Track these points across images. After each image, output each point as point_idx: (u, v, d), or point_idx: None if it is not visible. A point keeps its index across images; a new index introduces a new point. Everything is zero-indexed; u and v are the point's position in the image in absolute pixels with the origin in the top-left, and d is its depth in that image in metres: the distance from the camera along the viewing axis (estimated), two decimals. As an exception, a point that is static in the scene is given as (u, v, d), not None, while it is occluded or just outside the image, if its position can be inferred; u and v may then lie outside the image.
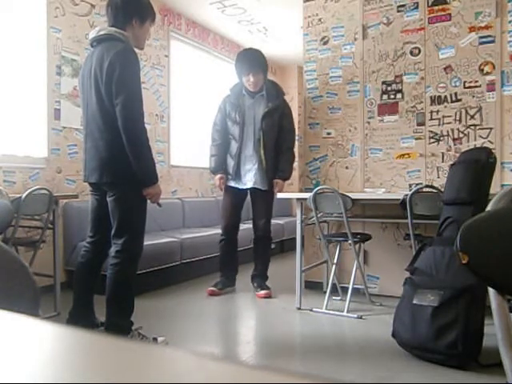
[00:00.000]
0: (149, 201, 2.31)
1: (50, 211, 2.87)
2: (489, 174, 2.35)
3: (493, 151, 2.47)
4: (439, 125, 3.28)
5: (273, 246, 5.29)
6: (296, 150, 3.51)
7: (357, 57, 3.57)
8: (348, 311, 2.88)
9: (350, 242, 2.94)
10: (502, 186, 3.01)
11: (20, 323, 0.40)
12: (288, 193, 3.49)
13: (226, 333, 2.71)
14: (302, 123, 3.93)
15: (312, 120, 3.78)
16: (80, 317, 2.38)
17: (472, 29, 3.16)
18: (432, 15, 3.29)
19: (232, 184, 3.48)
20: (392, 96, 3.44)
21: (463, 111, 3.20)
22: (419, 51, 3.34)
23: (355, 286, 3.04)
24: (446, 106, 3.25)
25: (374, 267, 3.45)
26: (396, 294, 2.78)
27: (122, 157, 2.17)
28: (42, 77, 3.57)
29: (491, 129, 3.11)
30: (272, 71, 7.08)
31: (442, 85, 3.27)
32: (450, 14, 3.23)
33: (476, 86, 3.15)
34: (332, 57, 3.68)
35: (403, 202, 2.72)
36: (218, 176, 3.48)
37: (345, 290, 3.09)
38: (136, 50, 2.28)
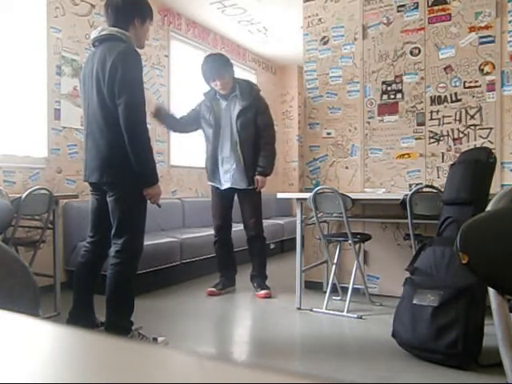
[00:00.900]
0: (149, 201, 2.31)
1: (50, 211, 2.87)
2: (489, 174, 2.35)
3: (493, 151, 2.47)
4: (439, 125, 3.28)
5: (272, 246, 5.31)
6: (296, 149, 3.52)
7: (357, 57, 3.57)
8: (348, 311, 2.88)
9: (350, 241, 2.94)
10: (502, 185, 3.01)
11: (20, 323, 0.40)
12: (288, 193, 3.49)
13: (225, 333, 2.71)
14: (302, 123, 3.93)
15: (312, 120, 3.78)
16: (80, 317, 2.38)
17: (472, 29, 3.16)
18: (432, 15, 3.29)
19: (213, 184, 3.53)
20: (392, 96, 3.44)
21: (463, 111, 3.20)
22: (419, 51, 3.34)
23: (355, 286, 3.04)
24: (446, 106, 3.26)
25: (374, 267, 3.45)
26: (396, 294, 2.77)
27: (123, 157, 2.17)
28: (42, 77, 3.57)
29: (491, 129, 3.11)
30: (272, 71, 7.08)
31: (442, 85, 3.27)
32: (449, 14, 3.23)
33: (476, 86, 3.15)
34: (332, 57, 3.68)
35: (403, 202, 2.72)
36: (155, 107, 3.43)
37: (345, 290, 3.09)
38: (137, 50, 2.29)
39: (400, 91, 3.41)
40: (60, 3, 3.69)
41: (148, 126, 2.25)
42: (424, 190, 2.73)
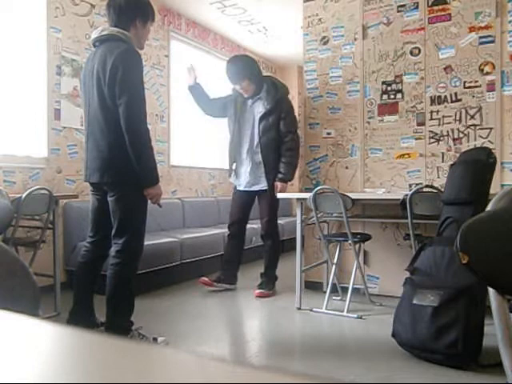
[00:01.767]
0: (149, 201, 2.31)
1: (50, 211, 2.87)
2: (489, 174, 2.35)
3: (493, 151, 2.48)
4: (439, 125, 3.28)
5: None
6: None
7: (357, 57, 3.57)
8: (348, 311, 2.88)
9: (350, 242, 2.94)
10: (502, 185, 3.01)
11: (20, 323, 0.40)
12: (288, 193, 3.49)
13: (225, 333, 2.71)
14: (302, 123, 3.93)
15: (312, 120, 3.78)
16: (80, 317, 2.38)
17: (472, 29, 3.16)
18: (432, 15, 3.29)
19: (233, 181, 3.63)
20: (392, 96, 3.44)
21: (463, 111, 3.20)
22: (419, 51, 3.34)
23: (355, 286, 3.04)
24: (446, 106, 3.25)
25: (374, 267, 3.45)
26: (396, 293, 2.77)
27: (124, 157, 2.17)
28: (42, 77, 3.57)
29: (491, 129, 3.11)
30: (272, 71, 7.08)
31: (442, 85, 3.27)
32: (449, 14, 3.23)
33: (476, 86, 3.15)
34: (332, 57, 3.68)
35: (403, 202, 2.72)
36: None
37: (345, 290, 3.09)
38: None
39: (400, 91, 3.41)
40: (60, 3, 3.69)
41: (148, 126, 2.25)
42: (424, 190, 2.73)
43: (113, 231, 2.28)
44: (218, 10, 4.97)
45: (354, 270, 2.99)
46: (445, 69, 3.25)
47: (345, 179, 3.62)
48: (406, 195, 2.71)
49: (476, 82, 3.15)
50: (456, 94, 3.22)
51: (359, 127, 3.56)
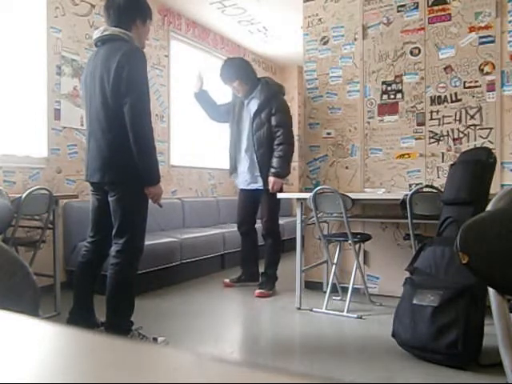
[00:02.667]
0: (150, 201, 2.32)
1: (50, 211, 2.87)
2: (489, 174, 2.35)
3: (493, 151, 2.47)
4: (439, 125, 3.28)
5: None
6: (296, 149, 3.51)
7: (357, 57, 3.57)
8: (348, 311, 2.88)
9: (350, 242, 2.94)
10: (502, 185, 3.01)
11: (20, 323, 0.40)
12: (288, 193, 3.50)
13: (225, 333, 2.71)
14: (302, 123, 3.93)
15: (312, 120, 3.78)
16: (80, 317, 2.38)
17: (472, 29, 3.16)
18: (432, 15, 3.29)
19: (235, 181, 3.73)
20: (392, 96, 3.44)
21: (463, 111, 3.20)
22: (419, 51, 3.34)
23: (355, 286, 3.04)
24: (445, 106, 3.25)
25: (374, 267, 3.45)
26: (396, 293, 2.77)
27: (125, 157, 2.18)
28: (42, 77, 3.57)
29: (491, 129, 3.11)
30: (272, 71, 7.08)
31: (441, 85, 3.27)
32: (449, 14, 3.23)
33: (476, 86, 3.15)
34: (332, 57, 3.68)
35: (403, 202, 2.72)
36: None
37: (345, 290, 3.09)
38: None
39: (400, 91, 3.41)
40: (60, 3, 3.69)
41: (152, 125, 2.25)
42: (424, 190, 2.73)
43: (113, 231, 2.28)
44: (218, 10, 4.97)
45: (354, 270, 2.99)
46: (445, 69, 3.25)
47: (345, 179, 3.62)
48: (406, 195, 2.71)
49: (476, 82, 3.15)
50: (456, 94, 3.22)
51: (359, 127, 3.56)
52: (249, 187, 3.53)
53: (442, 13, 3.26)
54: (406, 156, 3.38)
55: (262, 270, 3.61)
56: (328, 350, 2.33)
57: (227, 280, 3.74)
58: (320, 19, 3.73)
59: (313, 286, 3.63)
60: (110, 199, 2.28)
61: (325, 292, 3.19)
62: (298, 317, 2.96)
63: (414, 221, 2.75)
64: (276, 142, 3.38)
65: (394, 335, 2.28)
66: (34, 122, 3.53)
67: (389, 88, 3.45)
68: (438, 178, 3.24)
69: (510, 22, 3.06)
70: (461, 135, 3.21)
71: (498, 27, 3.08)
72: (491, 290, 0.84)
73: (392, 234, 3.38)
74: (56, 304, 2.88)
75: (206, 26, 5.46)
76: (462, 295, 2.06)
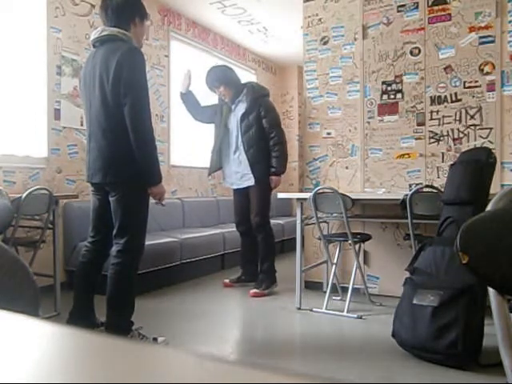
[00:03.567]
0: (152, 200, 2.32)
1: (50, 211, 2.87)
2: (489, 174, 2.35)
3: (493, 151, 2.48)
4: (439, 125, 3.28)
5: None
6: (296, 149, 3.55)
7: (357, 57, 3.57)
8: (348, 311, 2.88)
9: (350, 241, 2.94)
10: (502, 185, 3.01)
11: (20, 323, 0.40)
12: (288, 193, 3.50)
13: (225, 333, 2.71)
14: (302, 123, 3.93)
15: (312, 120, 3.78)
16: (80, 317, 2.38)
17: (472, 29, 3.16)
18: (432, 15, 3.29)
19: (225, 183, 3.79)
20: (392, 96, 3.44)
21: (463, 111, 3.20)
22: (419, 51, 3.34)
23: (355, 286, 3.04)
24: (446, 106, 3.25)
25: (374, 267, 3.45)
26: (396, 293, 2.77)
27: (125, 157, 2.18)
28: (42, 77, 3.57)
29: (491, 129, 3.11)
30: (272, 71, 7.08)
31: (442, 85, 3.27)
32: (449, 14, 3.23)
33: (476, 86, 3.15)
34: (332, 57, 3.68)
35: (403, 202, 2.72)
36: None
37: (345, 290, 3.09)
38: None
39: (400, 91, 3.41)
40: (60, 3, 3.69)
41: (152, 125, 2.25)
42: (424, 190, 2.73)
43: (114, 231, 2.28)
44: (218, 10, 4.97)
45: (354, 270, 2.99)
46: (445, 69, 3.25)
47: (345, 179, 3.62)
48: (406, 195, 2.71)
49: (476, 82, 3.15)
50: (456, 93, 3.22)
51: (359, 127, 3.56)
52: (242, 186, 3.58)
53: (442, 13, 3.26)
54: (406, 156, 3.38)
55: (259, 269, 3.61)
56: (328, 350, 2.33)
57: (227, 280, 3.75)
58: (320, 19, 3.73)
59: (313, 286, 3.63)
60: (110, 199, 2.28)
61: (325, 292, 3.19)
62: (298, 317, 2.96)
63: (414, 221, 2.75)
64: (272, 143, 3.49)
65: (393, 335, 2.28)
66: (34, 122, 3.53)
67: (389, 88, 3.45)
68: (438, 177, 3.24)
69: (510, 22, 3.06)
70: (461, 135, 3.21)
71: (498, 27, 3.08)
72: (491, 290, 0.84)
73: (392, 234, 3.38)
74: (56, 304, 2.88)
75: (206, 26, 5.46)
76: (461, 295, 2.06)
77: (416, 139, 3.35)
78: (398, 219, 3.01)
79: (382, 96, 3.48)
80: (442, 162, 3.26)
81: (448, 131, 3.24)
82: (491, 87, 3.10)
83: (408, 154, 3.38)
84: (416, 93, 3.35)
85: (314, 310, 3.02)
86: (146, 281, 3.37)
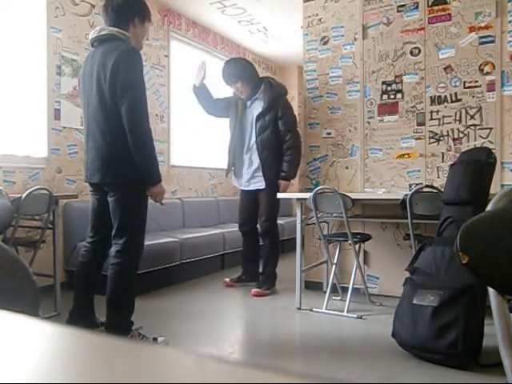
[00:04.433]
0: (152, 200, 2.32)
1: (50, 211, 2.87)
2: (489, 174, 2.35)
3: (493, 151, 2.48)
4: (439, 125, 3.28)
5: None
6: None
7: (357, 57, 3.57)
8: (348, 311, 2.88)
9: (350, 242, 2.94)
10: (502, 186, 3.01)
11: (20, 323, 0.40)
12: (288, 193, 3.50)
13: (225, 333, 2.71)
14: (302, 123, 3.93)
15: (312, 120, 3.78)
16: (80, 317, 2.38)
17: (472, 29, 3.16)
18: (432, 15, 3.29)
19: (233, 182, 3.75)
20: (392, 96, 3.44)
21: (463, 111, 3.20)
22: (419, 51, 3.34)
23: (355, 286, 3.04)
24: (446, 106, 3.25)
25: (374, 267, 3.45)
26: (396, 293, 2.77)
27: (124, 157, 2.18)
28: (42, 77, 3.57)
29: (491, 129, 3.11)
30: (272, 71, 7.08)
31: (442, 85, 3.27)
32: (450, 14, 3.23)
33: (476, 86, 3.15)
34: (332, 57, 3.68)
35: (403, 202, 2.72)
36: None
37: (345, 290, 3.09)
38: None
39: (400, 91, 3.41)
40: (60, 3, 3.69)
41: (150, 125, 2.25)
42: (424, 190, 2.73)
43: (113, 231, 2.28)
44: (218, 10, 4.97)
45: (354, 270, 2.99)
46: (445, 69, 3.25)
47: (345, 179, 3.62)
48: (406, 195, 2.71)
49: (476, 81, 3.15)
50: (456, 93, 3.22)
51: (359, 127, 3.56)
52: (249, 188, 3.54)
53: (442, 13, 3.26)
54: (406, 156, 3.38)
55: (260, 269, 3.61)
56: (328, 350, 2.33)
57: (227, 279, 3.74)
58: (320, 19, 3.73)
59: (313, 286, 3.63)
60: (109, 199, 2.28)
61: (325, 292, 3.19)
62: (298, 317, 2.96)
63: (414, 221, 2.75)
64: (285, 146, 3.41)
65: (393, 335, 2.28)
66: (34, 122, 3.53)
67: (389, 88, 3.45)
68: (438, 177, 3.24)
69: (510, 22, 3.06)
70: (461, 135, 3.21)
71: (498, 27, 3.08)
72: (491, 290, 0.84)
73: (392, 234, 3.38)
74: (56, 304, 2.88)
75: (206, 26, 5.46)
76: (461, 295, 2.06)
77: (416, 139, 3.35)
78: (398, 219, 3.01)
79: (382, 96, 3.48)
80: (442, 162, 3.26)
81: (448, 131, 3.24)
82: (491, 87, 3.10)
83: (408, 153, 3.38)
84: (416, 93, 3.35)
85: (313, 310, 3.02)
86: (145, 281, 3.37)
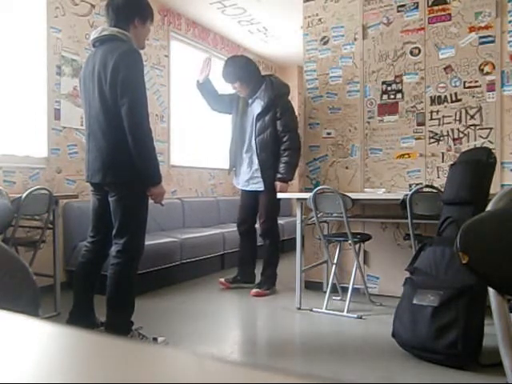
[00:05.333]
0: (152, 200, 2.32)
1: (50, 211, 2.87)
2: (489, 174, 2.35)
3: (493, 151, 2.48)
4: (439, 125, 3.28)
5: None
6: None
7: (357, 57, 3.57)
8: (348, 311, 2.88)
9: (350, 242, 2.94)
10: (502, 185, 3.01)
11: (20, 323, 0.40)
12: (288, 193, 3.49)
13: (225, 333, 2.71)
14: (302, 123, 3.92)
15: (312, 120, 3.78)
16: (80, 317, 2.38)
17: (472, 29, 3.16)
18: (432, 15, 3.29)
19: (233, 181, 3.74)
20: (392, 96, 3.44)
21: (463, 111, 3.20)
22: (419, 51, 3.34)
23: (355, 286, 3.04)
24: (446, 106, 3.25)
25: (374, 267, 3.45)
26: (396, 294, 2.77)
27: (125, 157, 2.18)
28: (42, 77, 3.57)
29: (491, 129, 3.11)
30: (272, 71, 7.08)
31: (441, 85, 3.27)
32: (450, 14, 3.23)
33: (476, 86, 3.15)
34: (332, 57, 3.68)
35: (403, 202, 2.72)
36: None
37: (345, 290, 3.09)
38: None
39: (400, 91, 3.41)
40: (60, 3, 3.69)
41: (150, 125, 2.25)
42: (424, 190, 2.73)
43: (113, 231, 2.28)
44: (218, 10, 4.97)
45: (354, 270, 2.99)
46: (445, 69, 3.25)
47: (345, 179, 3.62)
48: (406, 195, 2.71)
49: (476, 81, 3.15)
50: (456, 93, 3.22)
51: (359, 127, 3.56)
52: (248, 188, 3.53)
53: (442, 13, 3.26)
54: (406, 156, 3.38)
55: (260, 270, 3.60)
56: (328, 350, 2.33)
57: (222, 279, 3.69)
58: (320, 19, 3.73)
59: (313, 286, 3.63)
60: (110, 199, 2.28)
61: (325, 292, 3.19)
62: (298, 317, 2.96)
63: (414, 221, 2.75)
64: (283, 147, 3.36)
65: (393, 335, 2.28)
66: (34, 122, 3.53)
67: (389, 88, 3.45)
68: (438, 177, 3.24)
69: (510, 22, 3.06)
70: (461, 135, 3.21)
71: (498, 27, 3.08)
72: (491, 290, 0.84)
73: (392, 234, 3.38)
74: (56, 304, 2.88)
75: (206, 26, 5.46)
76: (461, 295, 2.06)
77: (416, 139, 3.35)
78: (398, 219, 3.01)
79: (382, 96, 3.48)
80: (442, 162, 3.26)
81: (448, 131, 3.24)
82: (491, 87, 3.10)
83: (408, 153, 3.38)
84: (416, 93, 3.35)
85: (313, 310, 3.02)
86: (145, 281, 3.37)
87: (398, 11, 3.41)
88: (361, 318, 2.84)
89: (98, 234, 2.43)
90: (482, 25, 3.12)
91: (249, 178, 3.50)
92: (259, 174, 3.42)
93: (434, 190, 2.66)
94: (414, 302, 2.19)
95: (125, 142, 2.16)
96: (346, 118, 3.62)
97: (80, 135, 3.77)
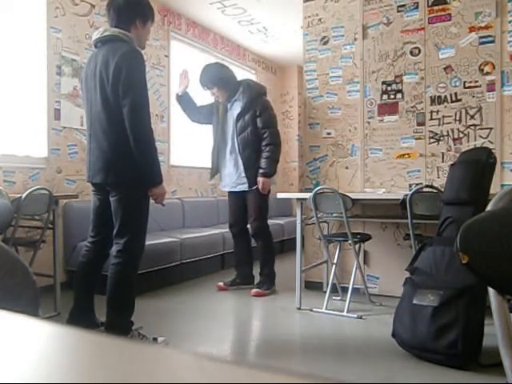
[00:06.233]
0: (153, 201, 2.32)
1: (50, 211, 2.87)
2: (489, 174, 2.35)
3: (493, 151, 2.47)
4: (439, 125, 3.28)
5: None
6: (296, 149, 3.52)
7: (357, 57, 3.57)
8: (348, 311, 2.88)
9: (350, 242, 2.94)
10: (502, 185, 3.01)
11: (20, 323, 0.40)
12: (288, 193, 3.49)
13: (225, 333, 2.71)
14: (302, 123, 3.92)
15: (312, 120, 3.78)
16: (80, 317, 2.38)
17: (472, 29, 3.16)
18: (432, 15, 3.29)
19: (220, 186, 3.75)
20: (392, 96, 3.44)
21: (463, 111, 3.20)
22: (419, 51, 3.34)
23: (355, 286, 3.04)
24: (446, 106, 3.25)
25: (374, 267, 3.45)
26: (396, 293, 2.77)
27: (126, 157, 2.18)
28: (42, 77, 3.57)
29: (491, 129, 3.11)
30: (272, 71, 7.08)
31: (441, 85, 3.27)
32: (450, 14, 3.23)
33: (476, 86, 3.15)
34: (332, 57, 3.68)
35: (403, 202, 2.72)
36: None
37: (345, 289, 3.09)
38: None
39: (400, 91, 3.41)
40: (60, 3, 3.69)
41: (152, 126, 2.25)
42: (424, 190, 2.73)
43: (114, 231, 2.28)
44: (218, 10, 4.97)
45: (354, 269, 2.99)
46: (445, 69, 3.25)
47: (345, 179, 3.62)
48: (406, 195, 2.71)
49: (476, 81, 3.15)
50: (456, 93, 3.22)
51: (359, 127, 3.56)
52: (236, 189, 3.53)
53: (442, 13, 3.26)
54: (406, 156, 3.39)
55: (257, 270, 3.60)
56: (328, 350, 2.33)
57: (221, 283, 3.67)
58: (320, 19, 3.73)
59: (313, 286, 3.63)
60: (111, 199, 2.28)
61: (325, 292, 3.19)
62: (298, 317, 2.96)
63: (414, 221, 2.75)
64: (263, 143, 3.41)
65: (393, 335, 2.28)
66: (34, 122, 3.53)
67: (389, 88, 3.45)
68: (438, 177, 3.24)
69: (510, 22, 3.06)
70: (461, 135, 3.21)
71: (498, 27, 3.08)
72: (491, 290, 0.84)
73: (392, 234, 3.38)
74: (56, 304, 2.88)
75: (206, 26, 5.46)
76: (461, 295, 2.06)
77: (416, 139, 3.35)
78: (398, 219, 3.01)
79: (382, 96, 3.48)
80: (442, 162, 3.26)
81: (448, 131, 3.24)
82: (491, 87, 3.10)
83: (408, 153, 3.38)
84: (416, 93, 3.35)
85: (313, 309, 3.02)
86: (145, 281, 3.37)
87: (398, 11, 3.41)
88: (361, 318, 2.84)
89: (98, 233, 2.43)
90: (482, 25, 3.12)
91: (236, 179, 3.50)
92: (244, 174, 3.44)
93: (434, 190, 2.66)
94: (414, 302, 2.19)
95: (126, 142, 2.16)
96: (345, 118, 3.62)
97: (80, 135, 3.77)
